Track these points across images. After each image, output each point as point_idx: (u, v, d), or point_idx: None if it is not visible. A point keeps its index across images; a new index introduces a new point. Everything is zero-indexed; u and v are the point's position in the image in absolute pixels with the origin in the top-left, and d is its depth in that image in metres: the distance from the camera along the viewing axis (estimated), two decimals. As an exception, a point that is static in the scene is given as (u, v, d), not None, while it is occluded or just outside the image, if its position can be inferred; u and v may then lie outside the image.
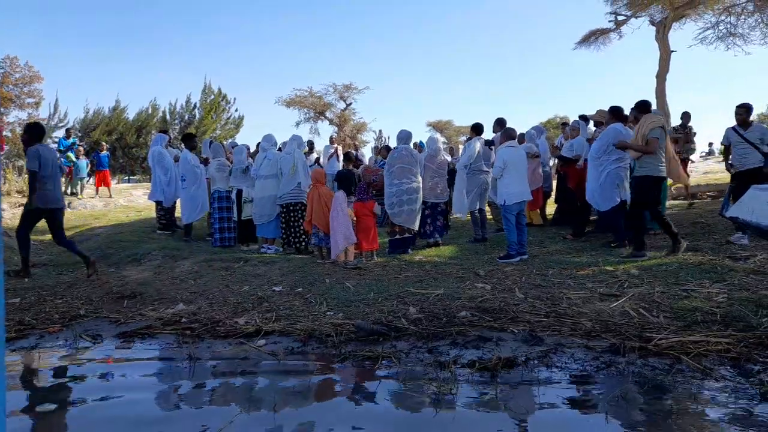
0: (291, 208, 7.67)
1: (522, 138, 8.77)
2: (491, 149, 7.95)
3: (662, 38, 18.45)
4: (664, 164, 5.89)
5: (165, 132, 10.63)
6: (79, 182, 14.13)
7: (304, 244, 7.67)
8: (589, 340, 3.49)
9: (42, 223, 6.33)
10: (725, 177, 12.90)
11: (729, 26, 17.57)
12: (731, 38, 17.62)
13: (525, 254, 6.51)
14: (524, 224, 6.69)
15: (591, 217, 7.98)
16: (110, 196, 14.41)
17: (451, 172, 8.91)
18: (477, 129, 8.18)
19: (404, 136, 7.60)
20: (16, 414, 2.71)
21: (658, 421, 2.47)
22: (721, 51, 18.84)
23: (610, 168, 6.65)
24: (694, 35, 18.15)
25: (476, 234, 7.96)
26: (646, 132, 5.78)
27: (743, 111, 6.56)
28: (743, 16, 17.33)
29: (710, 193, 11.06)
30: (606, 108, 8.00)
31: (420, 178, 7.42)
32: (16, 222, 10.38)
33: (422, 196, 7.61)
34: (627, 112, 6.89)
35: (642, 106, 6.17)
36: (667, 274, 4.99)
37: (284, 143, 8.90)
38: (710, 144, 23.41)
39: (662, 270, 5.18)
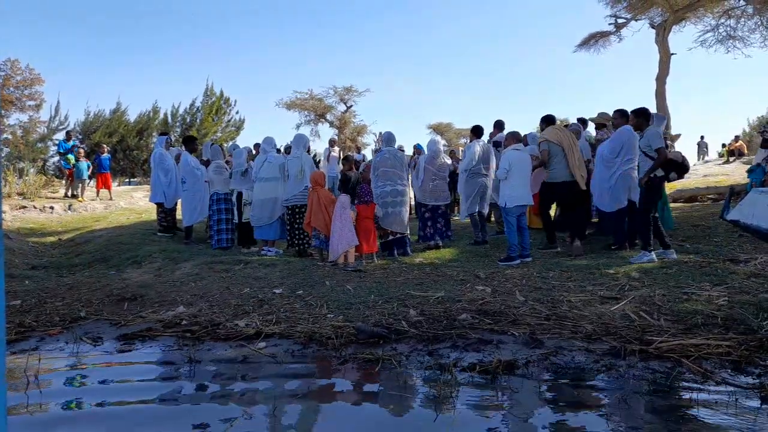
0: (296, 210, 7.68)
1: (525, 140, 8.78)
2: (499, 150, 7.94)
3: (662, 41, 18.50)
4: (553, 170, 6.84)
5: (166, 134, 10.64)
6: (80, 184, 14.14)
7: (306, 246, 7.69)
8: (589, 343, 3.49)
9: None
10: (725, 180, 12.92)
11: (729, 29, 17.62)
12: (731, 41, 17.68)
13: (528, 257, 6.50)
14: (525, 227, 6.68)
15: (592, 220, 7.99)
16: (111, 199, 14.42)
17: (452, 175, 8.91)
18: (476, 132, 8.17)
19: (387, 138, 7.59)
20: (16, 414, 2.71)
21: (658, 425, 2.47)
22: (721, 54, 18.95)
23: (622, 169, 6.55)
24: (694, 38, 18.25)
25: (476, 236, 7.95)
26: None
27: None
28: (743, 19, 17.39)
29: (710, 196, 11.06)
30: (604, 110, 8.04)
31: (406, 182, 7.42)
32: (17, 224, 10.42)
33: (423, 199, 7.62)
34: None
35: (544, 120, 7.45)
36: (667, 277, 4.99)
37: (288, 145, 8.91)
38: (723, 145, 23.25)
39: (663, 273, 5.18)
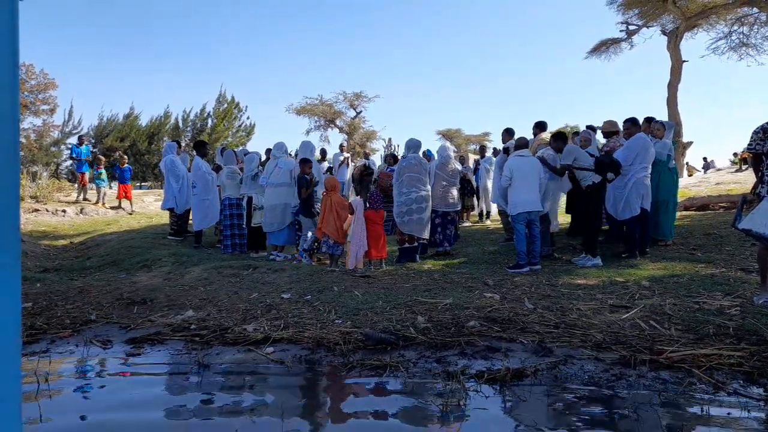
0: (303, 215, 7.71)
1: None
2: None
3: (674, 48, 18.37)
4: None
5: (175, 141, 10.75)
6: (100, 192, 14.24)
7: (314, 251, 7.70)
8: (599, 352, 3.45)
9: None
10: (737, 188, 12.78)
11: (741, 36, 17.48)
12: (744, 48, 17.53)
13: (537, 265, 6.45)
14: (537, 235, 6.61)
15: (602, 227, 7.92)
16: (132, 211, 14.12)
17: (462, 181, 8.92)
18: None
19: (413, 145, 7.61)
20: (32, 423, 2.73)
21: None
22: (733, 61, 18.79)
23: (636, 177, 6.51)
24: (707, 45, 18.12)
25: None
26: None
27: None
28: (756, 26, 17.24)
29: (722, 204, 10.94)
30: (611, 118, 8.03)
31: (429, 187, 7.42)
32: (30, 227, 10.53)
33: (433, 205, 7.62)
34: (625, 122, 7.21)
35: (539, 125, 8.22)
36: (678, 286, 4.94)
37: (296, 152, 8.97)
38: (735, 154, 22.90)
39: (674, 282, 5.13)
